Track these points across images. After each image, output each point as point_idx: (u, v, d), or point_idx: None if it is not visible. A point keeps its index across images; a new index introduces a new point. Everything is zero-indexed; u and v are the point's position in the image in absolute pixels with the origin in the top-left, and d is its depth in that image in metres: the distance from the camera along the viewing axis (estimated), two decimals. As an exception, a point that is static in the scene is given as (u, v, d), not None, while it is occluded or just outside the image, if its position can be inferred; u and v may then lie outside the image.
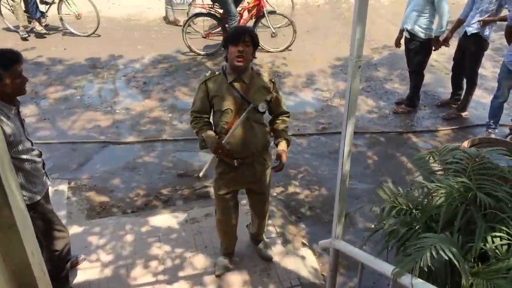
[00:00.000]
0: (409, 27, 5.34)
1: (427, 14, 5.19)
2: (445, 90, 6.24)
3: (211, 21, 7.79)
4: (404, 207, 2.15)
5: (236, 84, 2.83)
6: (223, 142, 2.81)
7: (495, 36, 7.24)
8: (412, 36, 5.36)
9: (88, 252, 3.49)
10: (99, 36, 8.07)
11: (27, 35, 7.84)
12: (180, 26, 8.55)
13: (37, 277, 1.69)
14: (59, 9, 7.87)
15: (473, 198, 1.87)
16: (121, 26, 8.79)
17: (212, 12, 7.32)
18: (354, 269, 3.45)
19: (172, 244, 3.61)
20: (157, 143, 5.11)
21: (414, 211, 2.12)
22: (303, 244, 3.74)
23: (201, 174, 2.93)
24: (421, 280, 1.84)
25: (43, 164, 2.81)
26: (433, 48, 5.44)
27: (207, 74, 2.89)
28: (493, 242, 1.89)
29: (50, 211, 2.86)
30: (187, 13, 8.12)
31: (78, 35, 8.06)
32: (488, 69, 6.91)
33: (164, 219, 3.87)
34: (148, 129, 5.38)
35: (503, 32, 5.06)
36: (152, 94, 6.19)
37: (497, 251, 1.89)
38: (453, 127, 5.47)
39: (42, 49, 7.51)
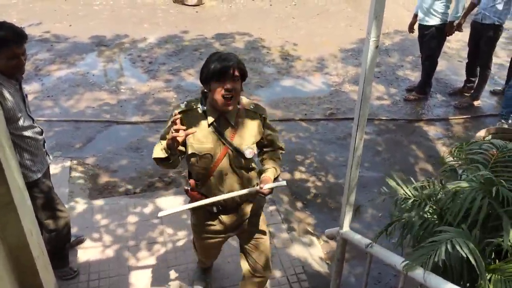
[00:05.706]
0: (423, 12, 5.18)
1: (444, -1, 5.02)
2: (458, 78, 6.09)
3: None
4: (418, 199, 2.06)
5: (219, 125, 2.20)
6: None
7: (510, 25, 7.04)
8: (427, 21, 5.20)
9: (89, 232, 3.43)
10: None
11: None
12: (188, 5, 8.41)
13: (35, 256, 1.63)
14: None
15: (495, 192, 1.77)
16: (127, 4, 8.63)
17: None
18: (357, 258, 3.40)
19: (174, 226, 3.54)
20: (161, 124, 5.02)
21: (429, 203, 2.03)
22: (308, 232, 3.67)
23: (160, 214, 2.30)
24: (435, 275, 1.76)
25: (44, 142, 2.73)
26: (447, 33, 5.28)
27: (182, 105, 2.25)
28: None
29: (50, 190, 2.79)
30: None
31: None
32: (503, 58, 6.73)
33: (167, 201, 3.80)
34: (153, 109, 5.28)
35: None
36: (158, 74, 6.07)
37: (515, 246, 1.80)
38: (465, 116, 5.33)
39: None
